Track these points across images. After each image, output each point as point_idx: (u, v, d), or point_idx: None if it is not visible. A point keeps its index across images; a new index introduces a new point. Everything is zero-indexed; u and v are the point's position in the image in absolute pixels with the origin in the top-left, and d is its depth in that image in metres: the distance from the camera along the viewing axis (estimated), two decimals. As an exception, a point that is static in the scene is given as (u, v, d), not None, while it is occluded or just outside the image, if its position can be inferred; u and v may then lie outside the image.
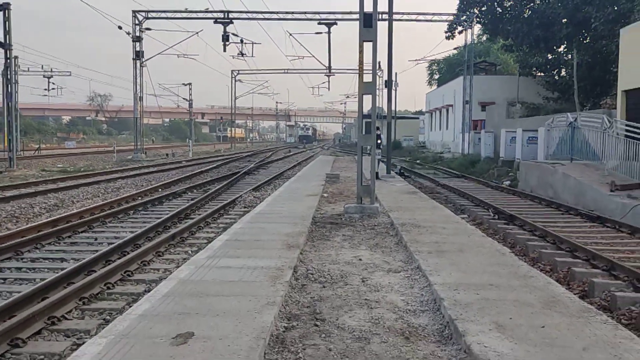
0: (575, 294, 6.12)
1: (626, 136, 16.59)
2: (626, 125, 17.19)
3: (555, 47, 33.16)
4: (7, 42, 27.37)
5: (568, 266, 8.29)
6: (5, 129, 30.23)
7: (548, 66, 34.95)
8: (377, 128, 13.75)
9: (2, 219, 12.82)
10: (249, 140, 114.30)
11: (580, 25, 28.83)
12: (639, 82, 18.77)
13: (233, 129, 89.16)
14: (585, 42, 30.09)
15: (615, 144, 17.27)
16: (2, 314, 5.77)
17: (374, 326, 5.02)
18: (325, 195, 15.32)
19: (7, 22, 27.08)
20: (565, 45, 32.30)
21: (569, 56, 31.87)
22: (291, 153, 52.29)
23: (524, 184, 21.01)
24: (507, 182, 22.64)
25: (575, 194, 16.21)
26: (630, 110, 19.54)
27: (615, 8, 25.59)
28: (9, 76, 29.05)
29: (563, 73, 34.49)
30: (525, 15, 32.05)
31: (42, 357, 5.06)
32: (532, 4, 32.34)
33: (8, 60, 28.19)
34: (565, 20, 29.41)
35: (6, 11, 26.92)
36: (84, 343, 4.49)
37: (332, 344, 4.61)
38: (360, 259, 7.69)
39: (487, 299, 5.40)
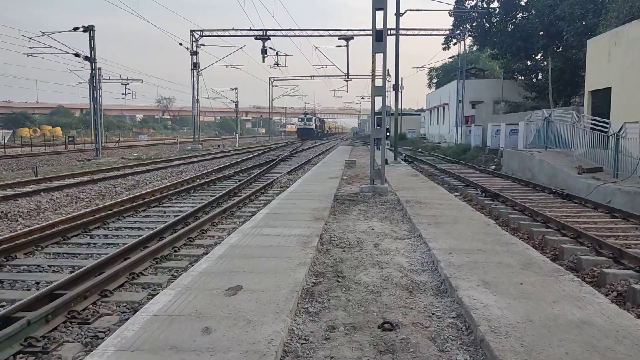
0: (548, 257, 6.05)
1: (592, 128, 16.25)
2: (591, 119, 16.82)
3: (533, 55, 32.48)
4: (93, 56, 27.74)
5: (542, 234, 8.20)
6: (92, 125, 30.79)
7: (527, 71, 34.31)
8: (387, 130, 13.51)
9: (91, 196, 13.12)
10: (282, 133, 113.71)
11: (554, 37, 28.15)
12: (602, 84, 18.28)
13: (268, 125, 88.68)
14: (558, 51, 29.35)
15: (583, 135, 16.92)
16: (94, 271, 5.94)
17: (384, 282, 5.05)
18: (344, 177, 15.30)
19: (92, 41, 27.42)
20: (541, 53, 31.60)
21: (545, 63, 31.15)
22: (316, 144, 52.16)
23: (506, 168, 20.70)
24: (493, 167, 22.32)
25: (549, 176, 15.93)
26: (595, 107, 19.07)
27: (584, 22, 24.87)
28: (94, 84, 29.46)
29: (540, 77, 33.75)
30: (509, 30, 31.37)
31: (125, 304, 5.20)
32: (514, 20, 31.58)
33: (93, 71, 28.59)
34: (541, 33, 28.72)
35: (91, 32, 27.25)
36: (157, 293, 4.60)
37: (350, 295, 4.66)
38: (373, 229, 7.71)
39: (475, 261, 5.39)
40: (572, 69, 27.98)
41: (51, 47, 29.93)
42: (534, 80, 34.20)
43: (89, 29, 27.13)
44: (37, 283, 5.90)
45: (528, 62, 33.58)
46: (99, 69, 33.97)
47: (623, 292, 5.49)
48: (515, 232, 8.62)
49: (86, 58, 28.03)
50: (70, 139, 42.18)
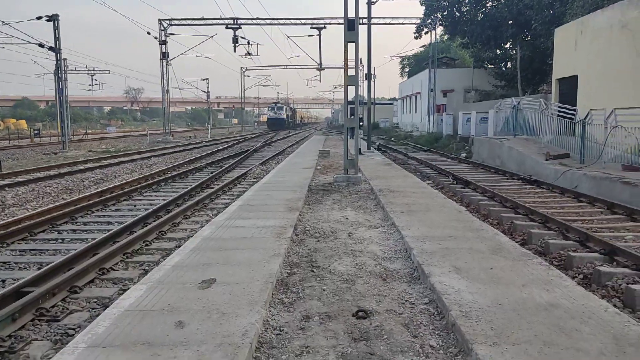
0: (517, 242, 6.20)
1: (559, 115, 16.64)
2: (559, 107, 17.22)
3: (502, 44, 32.92)
4: (57, 47, 26.87)
5: (511, 220, 8.37)
6: (58, 118, 29.95)
7: (497, 60, 34.80)
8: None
9: (58, 191, 12.79)
10: (255, 123, 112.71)
11: (522, 26, 28.61)
12: (569, 72, 18.73)
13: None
14: (526, 39, 29.86)
15: (550, 122, 17.31)
16: (63, 267, 5.81)
17: (358, 271, 5.09)
18: (318, 167, 15.31)
19: (56, 31, 26.54)
20: (510, 42, 32.07)
21: (514, 51, 31.67)
22: (290, 134, 51.98)
23: (477, 155, 21.05)
24: (464, 154, 22.67)
25: (517, 162, 16.28)
26: (562, 94, 19.54)
27: (551, 12, 25.36)
28: (59, 75, 28.61)
29: (509, 65, 34.26)
30: (479, 19, 31.72)
31: (95, 300, 5.11)
32: (483, 9, 31.93)
33: (58, 62, 27.73)
34: (510, 22, 29.15)
35: (55, 21, 26.37)
36: (128, 288, 4.53)
37: (325, 285, 4.68)
38: (347, 218, 7.75)
39: (447, 248, 5.48)
40: (540, 57, 28.52)
41: (13, 37, 28.82)
42: (504, 68, 34.73)
43: (53, 18, 26.24)
44: (3, 281, 5.74)
45: (497, 50, 34.05)
46: (65, 59, 32.97)
47: (589, 274, 5.67)
48: (485, 218, 8.78)
49: (51, 48, 27.13)
50: (35, 131, 40.82)
